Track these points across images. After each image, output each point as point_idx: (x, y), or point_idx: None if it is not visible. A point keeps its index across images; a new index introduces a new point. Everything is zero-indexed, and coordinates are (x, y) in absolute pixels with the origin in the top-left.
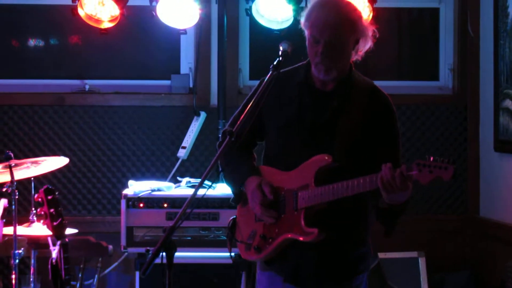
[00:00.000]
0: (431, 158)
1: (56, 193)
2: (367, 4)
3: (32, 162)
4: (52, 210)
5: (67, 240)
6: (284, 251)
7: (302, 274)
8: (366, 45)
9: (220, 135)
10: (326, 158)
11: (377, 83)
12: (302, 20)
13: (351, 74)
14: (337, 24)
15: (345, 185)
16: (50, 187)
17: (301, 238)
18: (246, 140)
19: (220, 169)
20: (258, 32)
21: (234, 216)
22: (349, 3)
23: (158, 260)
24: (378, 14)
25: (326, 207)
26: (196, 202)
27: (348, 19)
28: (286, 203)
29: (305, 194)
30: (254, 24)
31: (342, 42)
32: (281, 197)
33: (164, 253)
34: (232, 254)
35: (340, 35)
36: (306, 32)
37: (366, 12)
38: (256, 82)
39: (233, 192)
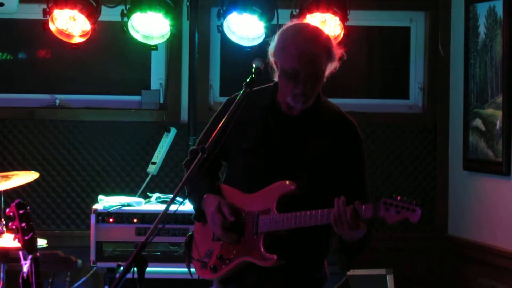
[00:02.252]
0: (398, 198)
1: (28, 207)
2: (339, 22)
3: (2, 176)
4: (23, 224)
5: (38, 254)
6: (241, 273)
7: None
8: (332, 67)
9: (189, 153)
10: (290, 184)
11: (347, 101)
12: (272, 49)
13: (319, 100)
14: (318, 56)
15: (308, 215)
16: (21, 201)
17: (259, 263)
18: (212, 160)
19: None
20: (229, 48)
21: (191, 233)
22: (321, 30)
23: (128, 275)
24: (349, 32)
25: (286, 233)
26: (167, 217)
27: (326, 48)
28: (245, 226)
29: (266, 219)
30: (225, 40)
31: (322, 72)
32: (241, 218)
33: (135, 268)
34: (193, 269)
35: (320, 66)
36: (279, 62)
37: (337, 30)
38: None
39: (194, 209)
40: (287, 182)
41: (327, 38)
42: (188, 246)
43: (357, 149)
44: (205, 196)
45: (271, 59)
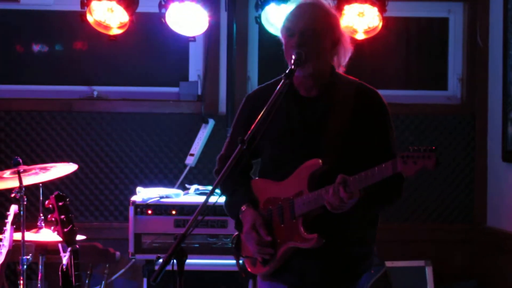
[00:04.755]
0: (414, 148)
1: (67, 199)
2: (377, 13)
3: (41, 168)
4: (62, 216)
5: (77, 246)
6: (288, 261)
7: (307, 281)
8: (345, 53)
9: (217, 161)
10: (316, 162)
11: (385, 92)
12: (280, 32)
13: (334, 76)
14: (312, 16)
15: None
16: (61, 193)
17: (302, 245)
18: (252, 156)
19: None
20: (267, 40)
21: (237, 233)
22: (329, 4)
23: (168, 267)
24: (388, 23)
25: (323, 211)
26: (206, 209)
27: (324, 13)
28: (283, 213)
29: (300, 201)
30: (263, 32)
31: (317, 34)
32: (278, 207)
33: (175, 260)
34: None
35: (315, 26)
36: (282, 35)
37: (376, 21)
38: None
39: (234, 219)
40: (314, 160)
41: (329, 11)
42: (237, 246)
43: (379, 115)
44: (242, 208)
45: (281, 39)
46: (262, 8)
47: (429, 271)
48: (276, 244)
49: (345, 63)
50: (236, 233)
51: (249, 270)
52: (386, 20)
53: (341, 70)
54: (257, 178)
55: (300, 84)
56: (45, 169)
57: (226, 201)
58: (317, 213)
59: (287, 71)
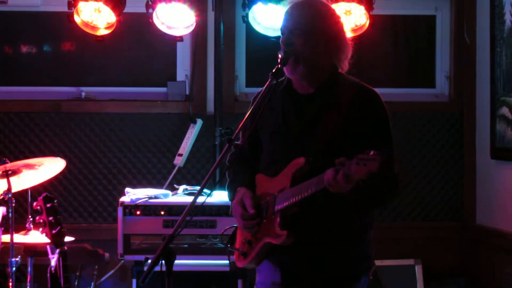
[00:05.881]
0: (371, 153)
1: (55, 200)
2: (364, 11)
3: (26, 165)
4: (51, 218)
5: (66, 248)
6: (270, 257)
7: (290, 280)
8: (343, 52)
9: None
10: (300, 160)
11: None
12: None
13: (334, 75)
14: (301, 15)
15: (305, 184)
16: (49, 195)
17: (274, 241)
18: (253, 150)
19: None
20: (255, 39)
21: (236, 225)
22: (323, 3)
23: (156, 268)
24: (375, 21)
25: (297, 210)
26: (195, 209)
27: (314, 11)
28: (268, 208)
29: (281, 197)
30: (250, 31)
31: (305, 33)
32: (266, 202)
33: (163, 261)
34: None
35: (302, 26)
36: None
37: (363, 20)
38: (253, 89)
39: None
40: (299, 159)
41: (323, 6)
42: (232, 237)
43: (377, 116)
44: (238, 189)
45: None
46: (249, 7)
47: (418, 270)
48: (257, 238)
49: (346, 61)
50: (225, 228)
51: (236, 263)
52: (373, 18)
53: (343, 69)
54: (258, 174)
55: (297, 82)
56: (31, 166)
57: (227, 188)
58: (293, 211)
59: (273, 70)
